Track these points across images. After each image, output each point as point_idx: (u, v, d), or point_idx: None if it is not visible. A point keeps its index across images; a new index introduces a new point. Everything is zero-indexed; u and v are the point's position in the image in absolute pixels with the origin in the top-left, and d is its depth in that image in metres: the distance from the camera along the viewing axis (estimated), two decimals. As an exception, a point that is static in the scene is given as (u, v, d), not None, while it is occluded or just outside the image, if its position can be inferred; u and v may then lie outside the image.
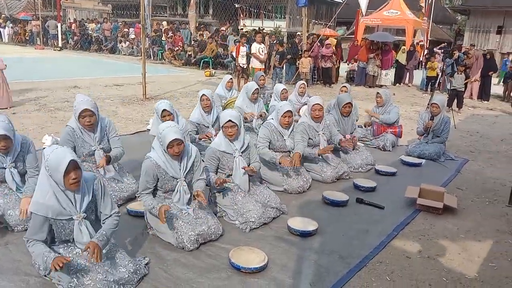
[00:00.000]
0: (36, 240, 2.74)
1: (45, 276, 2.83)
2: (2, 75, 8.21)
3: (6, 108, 8.14)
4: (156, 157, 3.42)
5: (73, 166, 2.61)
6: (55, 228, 2.75)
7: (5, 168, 3.55)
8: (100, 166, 4.02)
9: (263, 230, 3.79)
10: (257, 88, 6.40)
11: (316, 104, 5.09)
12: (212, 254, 3.33)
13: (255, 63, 11.86)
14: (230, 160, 3.99)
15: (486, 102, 13.17)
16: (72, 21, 27.61)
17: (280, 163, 4.56)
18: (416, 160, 6.01)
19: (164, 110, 4.60)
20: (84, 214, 2.78)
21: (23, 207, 3.37)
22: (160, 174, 3.43)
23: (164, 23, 23.88)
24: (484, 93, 13.43)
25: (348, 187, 4.95)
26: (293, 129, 4.90)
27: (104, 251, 2.79)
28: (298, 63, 13.52)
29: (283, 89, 6.91)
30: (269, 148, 4.78)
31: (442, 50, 15.33)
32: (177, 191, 3.50)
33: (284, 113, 4.67)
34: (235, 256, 3.19)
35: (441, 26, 34.80)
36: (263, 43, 12.95)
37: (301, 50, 13.76)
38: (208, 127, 5.49)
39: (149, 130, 7.03)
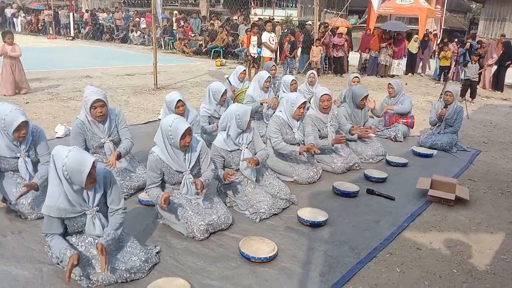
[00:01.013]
0: (53, 234, 2.79)
1: (57, 264, 2.88)
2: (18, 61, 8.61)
3: (26, 93, 8.62)
4: (158, 152, 3.40)
5: (93, 166, 2.63)
6: (68, 222, 2.79)
7: (19, 158, 3.57)
8: (110, 164, 3.90)
9: (273, 220, 3.80)
10: (270, 76, 6.37)
11: (324, 94, 5.00)
12: (222, 244, 3.35)
13: (265, 52, 11.79)
14: (236, 156, 3.97)
15: (499, 92, 12.94)
16: (83, 11, 27.67)
17: (300, 153, 4.58)
18: (428, 151, 5.95)
19: (179, 100, 4.56)
20: (97, 207, 2.82)
21: (27, 188, 3.42)
22: (165, 169, 3.42)
23: (175, 12, 23.83)
24: (497, 83, 13.18)
25: (358, 178, 4.92)
26: (302, 120, 4.86)
27: (112, 246, 2.83)
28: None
29: (293, 80, 6.78)
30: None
31: (456, 40, 15.07)
32: (184, 184, 3.48)
33: (301, 104, 4.61)
34: (245, 246, 3.20)
35: (455, 15, 34.22)
36: (273, 32, 12.84)
37: (313, 39, 13.64)
38: (219, 118, 5.49)
39: (160, 120, 7.08)
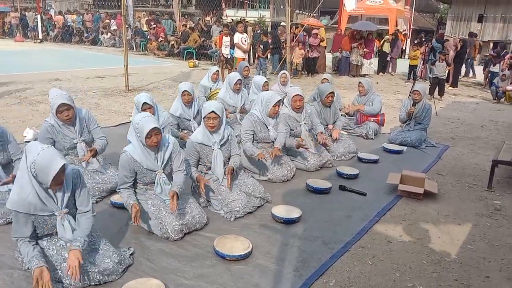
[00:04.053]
0: (23, 239, 2.70)
1: (28, 269, 2.82)
2: None
3: None
4: (131, 150, 3.38)
5: (63, 169, 2.58)
6: (37, 223, 2.72)
7: None
8: (85, 159, 4.01)
9: (247, 218, 3.82)
10: (239, 79, 6.40)
11: (296, 95, 5.08)
12: (197, 243, 3.35)
13: (238, 53, 11.82)
14: (209, 152, 3.98)
15: (456, 88, 13.24)
16: (52, 13, 27.00)
17: (258, 159, 4.45)
18: (398, 148, 6.10)
19: (144, 103, 4.47)
20: (66, 209, 2.77)
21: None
22: (137, 168, 3.40)
23: (143, 13, 23.56)
24: (453, 80, 13.53)
25: (331, 175, 5.00)
26: (277, 118, 4.91)
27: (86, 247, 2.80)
28: (282, 53, 13.50)
29: (265, 82, 6.83)
30: (253, 140, 4.79)
31: (424, 39, 15.43)
32: (157, 183, 3.47)
33: (277, 102, 4.69)
34: (220, 245, 3.22)
35: (423, 15, 35.11)
36: (245, 32, 12.89)
37: (284, 40, 13.73)
38: (189, 120, 5.47)
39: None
